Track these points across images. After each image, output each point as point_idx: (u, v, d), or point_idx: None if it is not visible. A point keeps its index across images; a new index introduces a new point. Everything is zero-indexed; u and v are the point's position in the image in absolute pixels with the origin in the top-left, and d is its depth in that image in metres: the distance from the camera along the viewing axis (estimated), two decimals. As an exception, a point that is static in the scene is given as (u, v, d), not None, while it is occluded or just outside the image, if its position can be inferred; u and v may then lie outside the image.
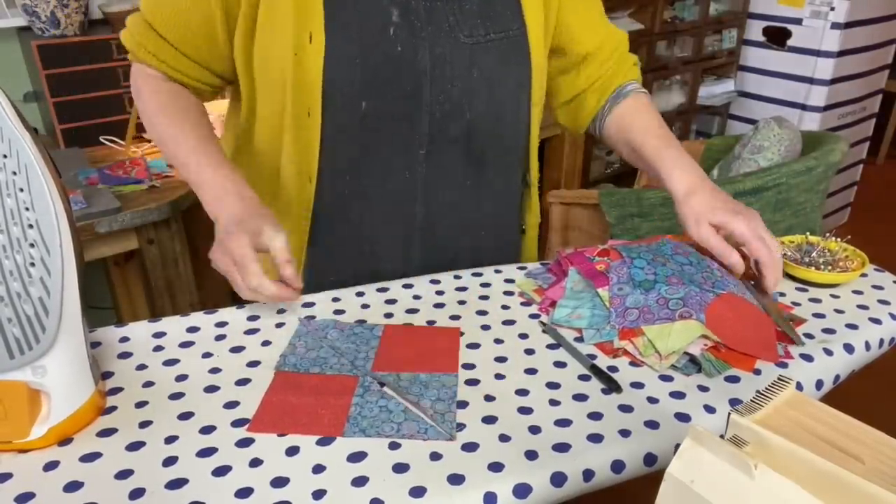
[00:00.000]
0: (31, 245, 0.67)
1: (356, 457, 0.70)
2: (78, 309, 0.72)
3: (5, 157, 0.65)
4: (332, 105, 0.98)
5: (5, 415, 0.71)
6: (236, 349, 0.88)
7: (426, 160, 1.03)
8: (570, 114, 1.22)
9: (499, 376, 0.83)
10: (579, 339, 0.90)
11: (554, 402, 0.78)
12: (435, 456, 0.70)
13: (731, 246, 0.95)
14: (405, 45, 0.97)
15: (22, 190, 0.66)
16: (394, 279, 1.05)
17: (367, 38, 0.95)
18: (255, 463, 0.69)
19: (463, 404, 0.78)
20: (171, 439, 0.73)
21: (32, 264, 0.67)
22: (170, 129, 1.00)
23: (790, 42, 3.35)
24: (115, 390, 0.80)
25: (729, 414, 0.50)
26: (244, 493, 0.66)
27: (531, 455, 0.70)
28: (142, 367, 0.85)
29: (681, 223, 1.00)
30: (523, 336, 0.91)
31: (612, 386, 0.81)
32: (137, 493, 0.66)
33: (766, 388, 0.53)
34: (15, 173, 0.65)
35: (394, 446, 0.71)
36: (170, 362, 0.85)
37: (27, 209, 0.66)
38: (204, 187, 0.95)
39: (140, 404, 0.78)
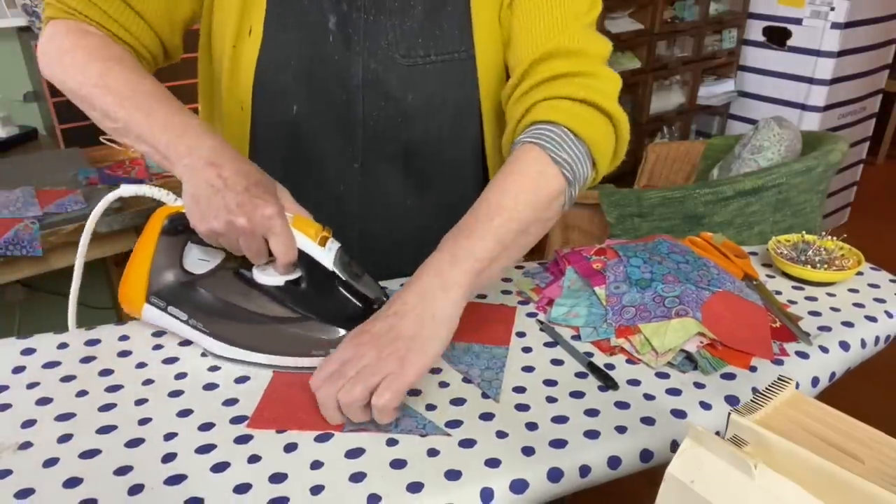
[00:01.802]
0: None
1: (354, 453, 0.70)
2: None
3: None
4: (264, 102, 0.95)
5: None
6: (235, 347, 0.88)
7: (361, 174, 0.99)
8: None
9: (496, 374, 0.84)
10: (576, 337, 0.90)
11: (551, 399, 0.79)
12: (432, 452, 0.70)
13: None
14: (341, 54, 0.93)
15: None
16: None
17: (304, 40, 0.92)
18: (254, 459, 0.70)
19: (460, 401, 0.78)
20: (170, 436, 0.73)
21: None
22: (129, 74, 0.83)
23: (790, 42, 3.35)
24: (115, 388, 0.81)
25: (729, 414, 0.50)
26: (242, 488, 0.66)
27: (528, 451, 0.70)
28: (141, 364, 0.85)
29: None
30: (521, 334, 0.92)
31: (608, 383, 0.81)
32: (136, 488, 0.66)
33: (766, 388, 0.53)
34: None
35: (391, 443, 0.72)
36: (169, 360, 0.86)
37: None
38: (188, 132, 0.80)
39: (139, 402, 0.78)
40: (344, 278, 0.81)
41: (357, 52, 0.93)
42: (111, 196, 0.86)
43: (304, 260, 0.80)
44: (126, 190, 0.85)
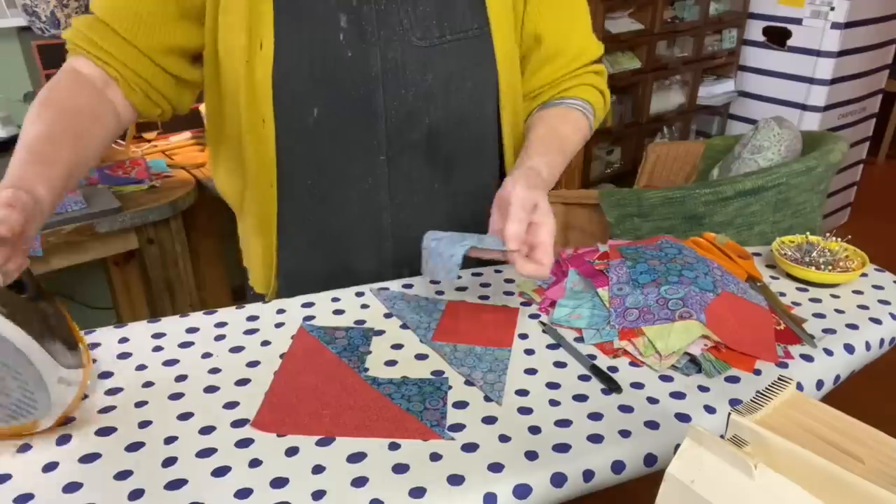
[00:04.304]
0: None
1: (356, 457, 0.70)
2: (61, 377, 0.72)
3: None
4: (285, 112, 0.96)
5: (10, 431, 0.72)
6: (236, 349, 0.88)
7: (388, 165, 1.01)
8: None
9: (499, 376, 0.83)
10: (579, 340, 0.90)
11: (554, 403, 0.78)
12: (435, 456, 0.70)
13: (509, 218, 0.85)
14: (356, 50, 0.94)
15: None
16: (368, 279, 1.05)
17: (316, 43, 0.93)
18: (255, 463, 0.69)
19: (462, 405, 0.78)
20: (170, 440, 0.72)
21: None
22: (31, 118, 0.89)
23: (790, 42, 3.35)
24: (115, 390, 0.80)
25: (729, 414, 0.50)
26: (243, 493, 0.65)
27: (531, 455, 0.70)
28: (141, 367, 0.85)
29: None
30: (523, 336, 0.91)
31: (612, 386, 0.80)
32: (136, 493, 0.65)
33: (767, 388, 0.53)
34: None
35: (393, 447, 0.71)
36: (169, 362, 0.85)
37: None
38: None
39: (139, 404, 0.78)
40: None
41: (373, 42, 0.95)
42: None
43: None
44: None
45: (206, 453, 0.71)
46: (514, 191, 0.86)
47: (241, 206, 1.10)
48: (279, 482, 0.67)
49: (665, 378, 0.83)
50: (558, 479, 0.68)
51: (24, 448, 0.71)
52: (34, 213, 0.75)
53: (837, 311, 0.97)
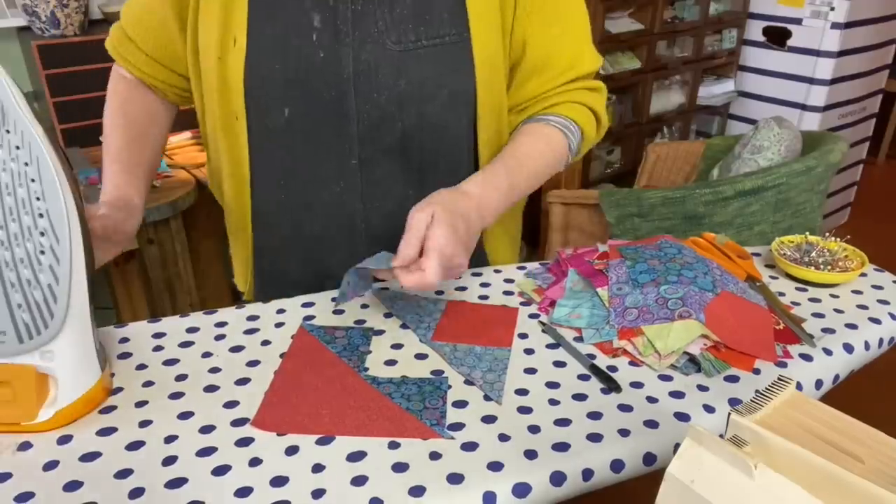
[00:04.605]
0: (42, 234, 0.69)
1: (355, 456, 0.70)
2: (86, 297, 0.73)
3: (18, 148, 0.66)
4: (257, 110, 0.97)
5: (14, 397, 0.73)
6: (236, 349, 0.88)
7: (360, 169, 1.00)
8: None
9: (498, 376, 0.83)
10: (579, 339, 0.90)
11: (553, 402, 0.78)
12: (434, 455, 0.70)
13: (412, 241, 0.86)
14: (328, 51, 0.93)
15: (33, 180, 0.67)
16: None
17: (288, 43, 0.93)
18: (255, 462, 0.69)
19: (462, 404, 0.78)
20: (170, 439, 0.73)
21: (42, 252, 0.69)
22: (107, 129, 1.03)
23: (790, 42, 3.35)
24: (116, 390, 0.80)
25: (729, 414, 0.50)
26: (244, 492, 0.66)
27: (530, 454, 0.70)
28: (142, 366, 0.85)
29: None
30: (523, 336, 0.91)
31: (611, 385, 0.81)
32: (137, 492, 0.66)
33: (767, 388, 0.53)
34: (27, 164, 0.67)
35: (393, 445, 0.71)
36: (170, 362, 0.85)
37: (38, 199, 0.68)
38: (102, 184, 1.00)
39: (140, 404, 0.78)
40: None
41: (347, 43, 0.94)
42: None
43: None
44: None
45: (206, 452, 0.71)
46: (412, 213, 0.87)
47: (222, 202, 1.12)
48: (279, 481, 0.67)
49: (664, 377, 0.83)
50: (558, 478, 0.68)
51: (25, 447, 0.71)
52: (121, 221, 0.91)
53: (837, 310, 0.97)
